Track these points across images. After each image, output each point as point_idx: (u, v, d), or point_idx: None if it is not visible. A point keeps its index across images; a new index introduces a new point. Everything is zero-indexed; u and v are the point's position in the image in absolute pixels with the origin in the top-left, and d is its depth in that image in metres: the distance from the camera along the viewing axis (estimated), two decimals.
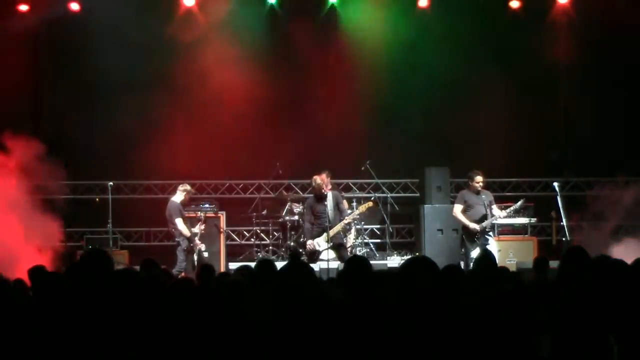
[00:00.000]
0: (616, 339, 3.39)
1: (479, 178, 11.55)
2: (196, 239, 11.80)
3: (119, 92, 13.99)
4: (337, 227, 11.39)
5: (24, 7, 13.99)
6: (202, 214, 12.43)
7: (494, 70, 14.39)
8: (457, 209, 11.64)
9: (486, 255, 6.17)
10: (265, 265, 5.64)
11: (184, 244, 11.72)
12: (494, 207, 11.57)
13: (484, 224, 11.35)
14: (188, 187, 12.02)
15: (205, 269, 7.20)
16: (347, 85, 14.57)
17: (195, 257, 11.70)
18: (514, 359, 2.95)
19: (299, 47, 14.48)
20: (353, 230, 13.02)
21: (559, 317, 3.45)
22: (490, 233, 11.66)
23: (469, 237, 11.42)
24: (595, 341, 3.24)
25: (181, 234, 11.71)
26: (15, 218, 11.09)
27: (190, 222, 12.11)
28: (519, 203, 11.69)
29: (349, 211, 12.27)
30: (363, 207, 12.02)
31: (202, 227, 12.05)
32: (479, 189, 11.57)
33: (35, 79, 14.52)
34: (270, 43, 14.39)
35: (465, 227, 11.50)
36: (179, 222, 11.70)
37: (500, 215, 11.50)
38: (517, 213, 12.62)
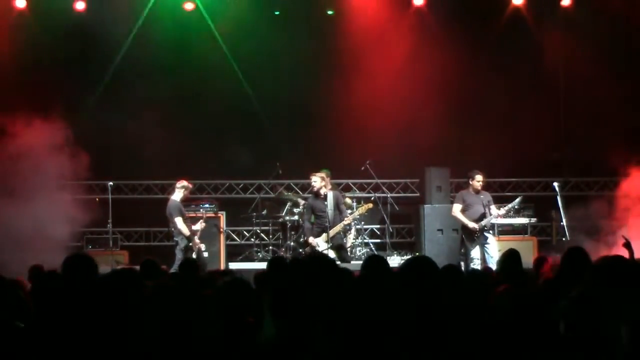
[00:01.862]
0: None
1: (479, 177, 11.59)
2: (196, 238, 11.79)
3: (119, 91, 13.99)
4: (337, 228, 11.34)
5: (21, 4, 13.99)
6: (203, 211, 12.43)
7: (494, 70, 14.39)
8: (456, 208, 11.69)
9: (512, 254, 6.12)
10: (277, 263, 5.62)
11: (182, 243, 11.70)
12: (493, 206, 11.60)
13: (483, 222, 11.38)
14: (185, 183, 11.96)
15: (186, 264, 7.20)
16: (347, 85, 14.55)
17: (195, 256, 11.70)
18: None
19: (299, 46, 14.48)
20: (353, 230, 13.02)
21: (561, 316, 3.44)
22: (490, 232, 11.67)
23: (469, 236, 11.45)
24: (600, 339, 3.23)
25: (180, 233, 11.70)
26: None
27: (191, 221, 12.12)
28: (517, 200, 11.71)
29: (349, 211, 12.26)
30: (363, 209, 12.00)
31: (203, 224, 12.03)
32: (479, 188, 11.60)
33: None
34: (264, 44, 14.38)
35: (464, 227, 11.54)
36: (179, 221, 11.68)
37: (499, 213, 11.52)
38: (517, 213, 12.64)
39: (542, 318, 3.09)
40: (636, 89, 14.08)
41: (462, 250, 11.72)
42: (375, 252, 13.83)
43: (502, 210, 11.54)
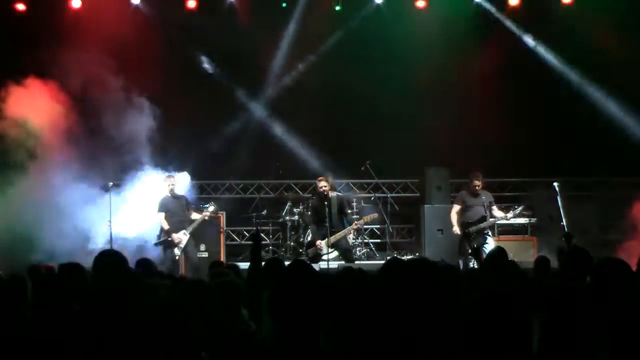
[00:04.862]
0: (611, 340, 3.37)
1: (476, 182, 11.56)
2: (175, 234, 11.58)
3: None
4: (340, 234, 11.28)
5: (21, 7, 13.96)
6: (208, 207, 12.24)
7: (494, 70, 14.38)
8: (454, 209, 11.70)
9: (499, 251, 6.19)
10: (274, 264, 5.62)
11: (163, 238, 11.67)
12: (495, 207, 11.58)
13: (482, 225, 11.37)
14: (165, 177, 11.92)
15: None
16: (347, 86, 14.55)
17: (177, 252, 11.50)
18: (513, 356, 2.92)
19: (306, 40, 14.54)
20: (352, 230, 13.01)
21: (559, 315, 3.42)
22: (489, 233, 11.64)
23: (466, 237, 11.46)
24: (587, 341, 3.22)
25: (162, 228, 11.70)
26: None
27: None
28: (519, 209, 11.69)
29: (355, 216, 12.24)
30: (368, 218, 11.93)
31: (207, 214, 11.88)
32: (475, 190, 11.57)
33: None
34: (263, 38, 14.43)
35: (462, 227, 11.56)
36: (160, 217, 11.67)
37: (506, 217, 11.53)
38: (517, 216, 12.66)
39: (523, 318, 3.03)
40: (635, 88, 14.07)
41: (460, 250, 11.71)
42: (373, 253, 13.84)
43: (510, 214, 11.54)
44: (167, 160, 12.77)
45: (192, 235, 11.74)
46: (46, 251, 11.19)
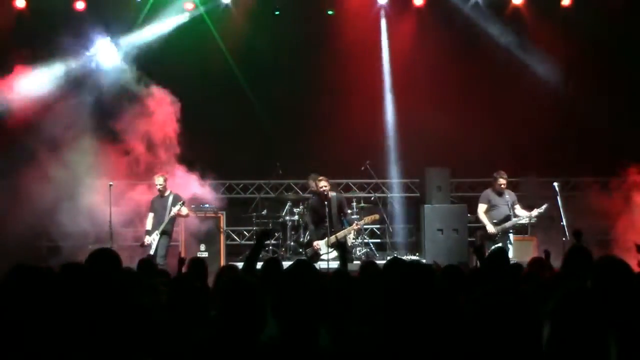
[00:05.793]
0: (616, 339, 3.36)
1: (501, 180, 11.61)
2: (148, 235, 11.60)
3: None
4: (340, 234, 11.29)
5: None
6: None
7: (494, 70, 14.39)
8: (481, 208, 11.74)
9: (500, 251, 6.24)
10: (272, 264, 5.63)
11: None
12: (517, 206, 11.62)
13: (507, 225, 11.41)
14: (154, 178, 11.94)
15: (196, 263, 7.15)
16: (348, 86, 14.55)
17: (150, 252, 11.39)
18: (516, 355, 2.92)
19: (299, 46, 14.51)
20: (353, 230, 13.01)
21: (559, 313, 3.41)
22: (511, 232, 11.70)
23: (489, 236, 11.47)
24: (594, 339, 3.21)
25: None
26: None
27: (199, 219, 12.35)
28: (544, 207, 11.68)
29: (355, 216, 12.23)
30: (369, 219, 11.94)
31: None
32: (499, 189, 11.62)
33: None
34: (264, 44, 14.41)
35: (485, 228, 11.61)
36: (149, 217, 11.77)
37: (530, 216, 11.53)
38: (541, 214, 12.70)
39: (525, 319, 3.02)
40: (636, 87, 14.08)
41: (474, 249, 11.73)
42: (373, 253, 13.83)
43: (534, 212, 11.54)
44: (185, 159, 12.94)
45: (165, 234, 11.65)
46: (58, 249, 11.26)
